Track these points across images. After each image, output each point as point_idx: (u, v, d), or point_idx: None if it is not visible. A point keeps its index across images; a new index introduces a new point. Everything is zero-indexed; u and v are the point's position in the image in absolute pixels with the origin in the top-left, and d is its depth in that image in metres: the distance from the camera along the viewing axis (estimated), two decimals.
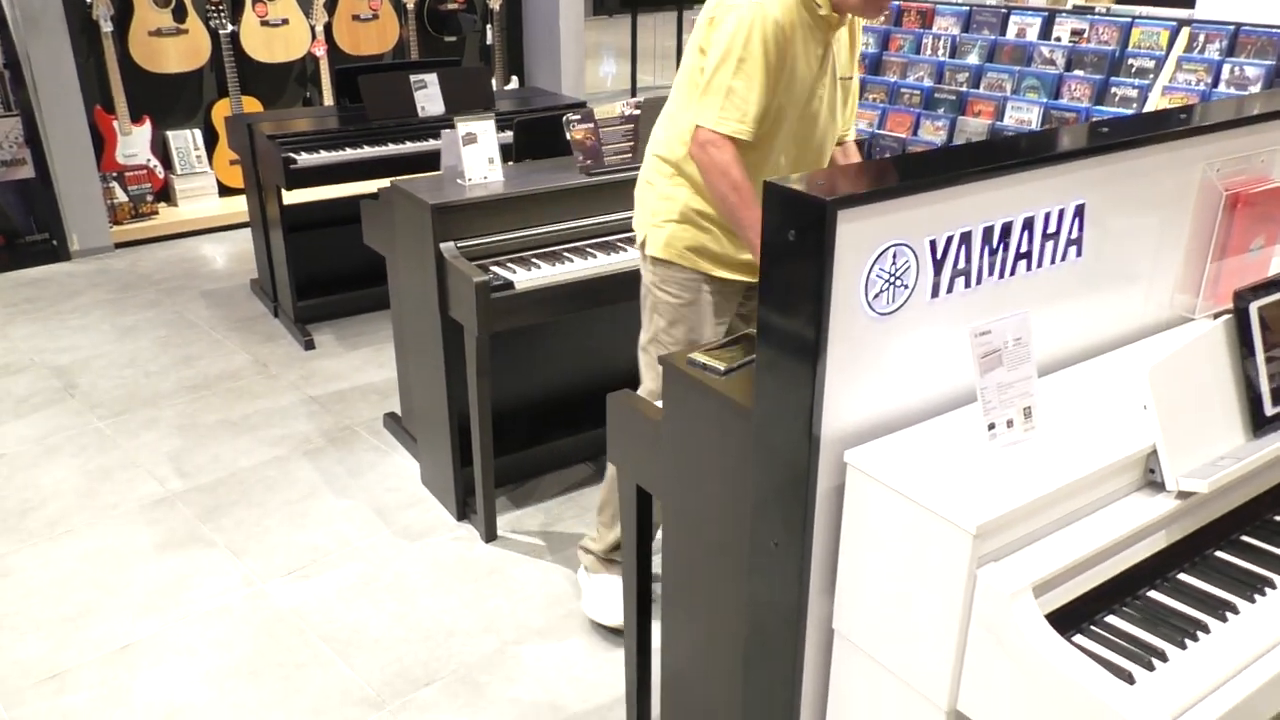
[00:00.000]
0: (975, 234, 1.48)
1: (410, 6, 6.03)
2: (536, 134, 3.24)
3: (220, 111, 5.58)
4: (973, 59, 4.34)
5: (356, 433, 3.55)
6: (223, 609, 2.67)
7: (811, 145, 2.23)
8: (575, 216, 2.90)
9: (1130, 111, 3.79)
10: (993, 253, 1.51)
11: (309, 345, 4.20)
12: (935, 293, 1.48)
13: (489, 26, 6.46)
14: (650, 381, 2.36)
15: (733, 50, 2.04)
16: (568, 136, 2.91)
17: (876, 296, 1.41)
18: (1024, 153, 1.50)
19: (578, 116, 2.91)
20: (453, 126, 2.86)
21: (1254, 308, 1.54)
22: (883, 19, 4.72)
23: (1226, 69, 3.60)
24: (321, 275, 4.37)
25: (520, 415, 3.19)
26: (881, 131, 4.46)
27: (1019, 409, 1.44)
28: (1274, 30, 3.55)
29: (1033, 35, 4.21)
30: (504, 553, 2.90)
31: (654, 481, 1.93)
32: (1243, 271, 1.85)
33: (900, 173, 1.42)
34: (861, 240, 1.36)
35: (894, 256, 1.41)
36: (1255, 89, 3.53)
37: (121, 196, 5.35)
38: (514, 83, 6.71)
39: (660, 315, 2.33)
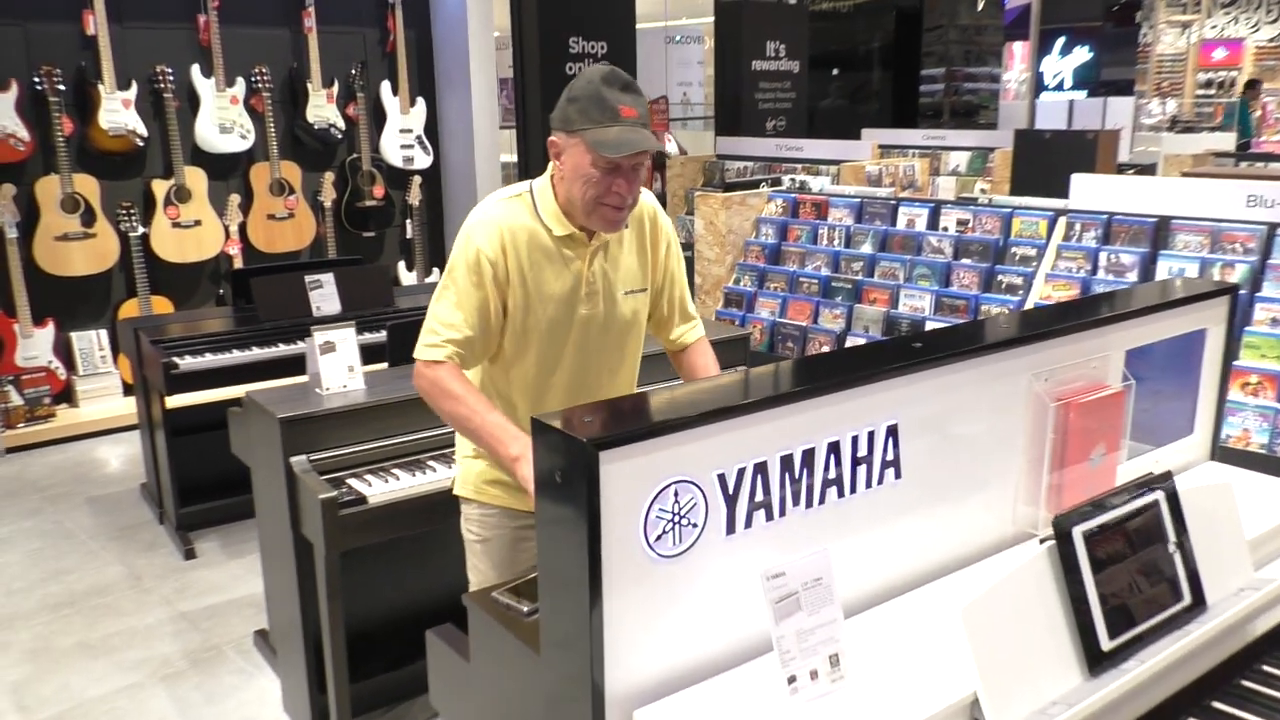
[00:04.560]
0: (772, 464, 1.38)
1: (328, 204, 6.11)
2: (412, 336, 3.17)
3: (128, 312, 5.51)
4: (866, 248, 4.41)
5: (223, 653, 3.30)
6: None
7: (593, 363, 2.10)
8: (440, 424, 2.79)
9: (1017, 299, 3.83)
10: (795, 482, 1.41)
11: (189, 554, 3.98)
12: (731, 529, 1.36)
13: (409, 220, 6.55)
14: None
15: (444, 279, 2.03)
16: None
17: (659, 538, 1.30)
18: (818, 377, 1.43)
19: None
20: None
21: (1078, 532, 1.44)
22: (779, 208, 4.83)
23: (1104, 256, 3.67)
24: (208, 480, 4.19)
25: (382, 635, 2.98)
26: (783, 320, 4.47)
27: (823, 657, 1.31)
28: (1145, 219, 3.64)
29: (921, 225, 4.30)
30: None
31: None
32: (1086, 482, 1.76)
33: (674, 407, 1.33)
34: (634, 480, 1.26)
35: (676, 494, 1.30)
36: (1132, 276, 3.58)
37: (16, 400, 5.19)
38: (435, 275, 6.76)
39: (471, 556, 2.19)
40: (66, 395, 5.50)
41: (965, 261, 4.06)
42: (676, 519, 1.31)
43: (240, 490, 4.27)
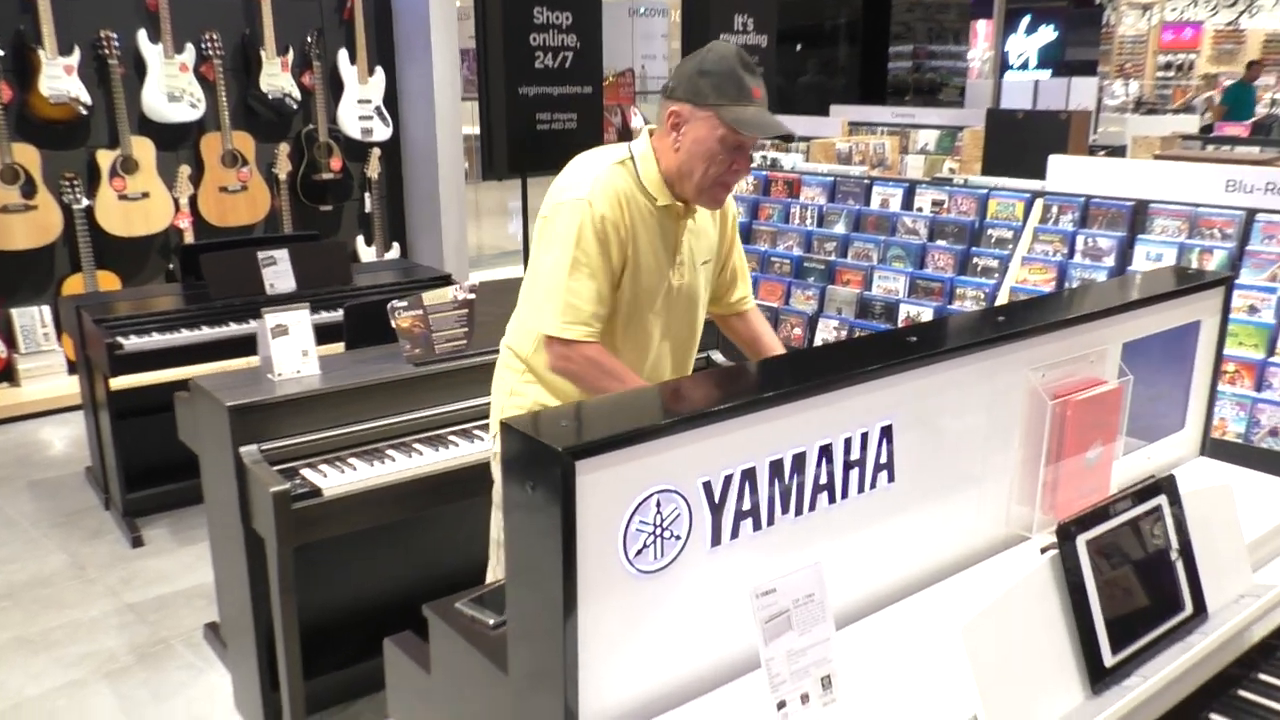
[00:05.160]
0: (760, 470, 1.28)
1: (283, 177, 5.90)
2: (371, 318, 3.03)
3: (72, 287, 5.29)
4: (839, 228, 4.32)
5: (171, 647, 3.16)
6: None
7: (677, 333, 2.15)
8: (400, 411, 2.67)
9: (993, 282, 3.76)
10: (784, 489, 1.31)
11: (137, 542, 3.81)
12: (716, 540, 1.26)
13: (367, 195, 6.36)
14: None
15: (565, 251, 1.94)
16: (393, 324, 2.70)
17: (640, 552, 1.19)
18: (810, 377, 1.33)
19: (404, 303, 2.71)
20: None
21: (1082, 541, 1.35)
22: (750, 186, 4.73)
23: (1080, 239, 3.61)
24: (157, 463, 4.02)
25: (338, 629, 2.86)
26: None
27: (815, 679, 1.22)
28: (1122, 202, 3.58)
29: (896, 205, 4.22)
30: None
31: None
32: (1082, 481, 1.69)
33: (657, 411, 1.22)
34: (613, 490, 1.15)
35: (658, 505, 1.20)
36: (1109, 260, 3.53)
37: None
38: (395, 250, 6.59)
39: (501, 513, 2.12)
40: (8, 374, 5.27)
41: (940, 243, 3.98)
42: (658, 531, 1.20)
43: (190, 474, 4.08)
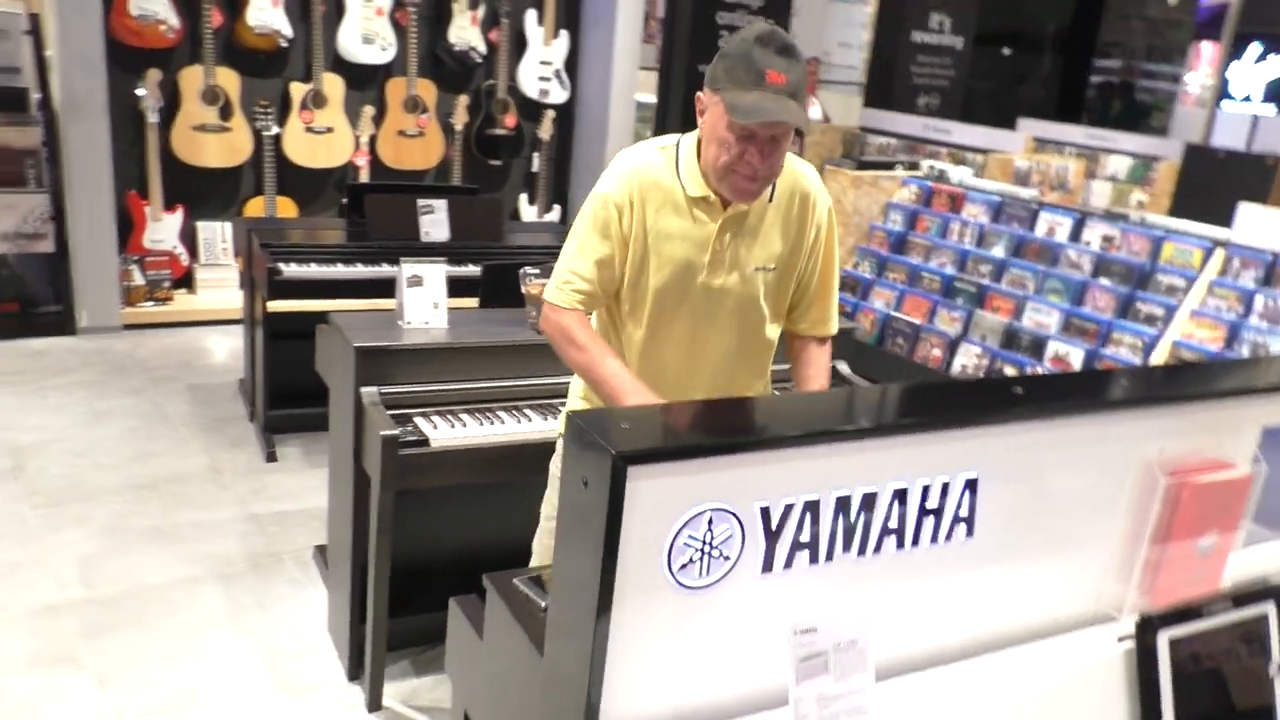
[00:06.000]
0: (825, 503, 1.24)
1: (458, 128, 6.09)
2: (508, 278, 3.10)
3: (253, 209, 5.63)
4: (998, 251, 4.13)
5: (282, 561, 3.35)
6: None
7: (711, 341, 2.03)
8: (516, 375, 2.72)
9: (1154, 331, 3.52)
10: (848, 526, 1.27)
11: (271, 457, 4.06)
12: (768, 566, 1.23)
13: (536, 154, 6.49)
14: (536, 559, 2.26)
15: (574, 234, 2.01)
16: (523, 290, 2.76)
17: (684, 567, 1.18)
18: (893, 415, 1.28)
19: (536, 270, 2.75)
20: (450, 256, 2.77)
21: (1164, 637, 1.26)
22: (913, 195, 4.57)
23: (1260, 300, 3.33)
24: (300, 386, 4.24)
25: (437, 571, 2.96)
26: (897, 314, 4.25)
27: None
28: None
29: (1062, 235, 4.00)
30: None
31: (476, 711, 1.68)
32: (1189, 568, 1.56)
33: (720, 428, 1.20)
34: (664, 501, 1.14)
35: (709, 522, 1.18)
36: None
37: (139, 279, 5.37)
38: (556, 212, 6.71)
39: (554, 491, 2.17)
40: (186, 281, 5.67)
41: (1104, 281, 3.75)
42: (706, 549, 1.19)
43: (325, 402, 4.33)
